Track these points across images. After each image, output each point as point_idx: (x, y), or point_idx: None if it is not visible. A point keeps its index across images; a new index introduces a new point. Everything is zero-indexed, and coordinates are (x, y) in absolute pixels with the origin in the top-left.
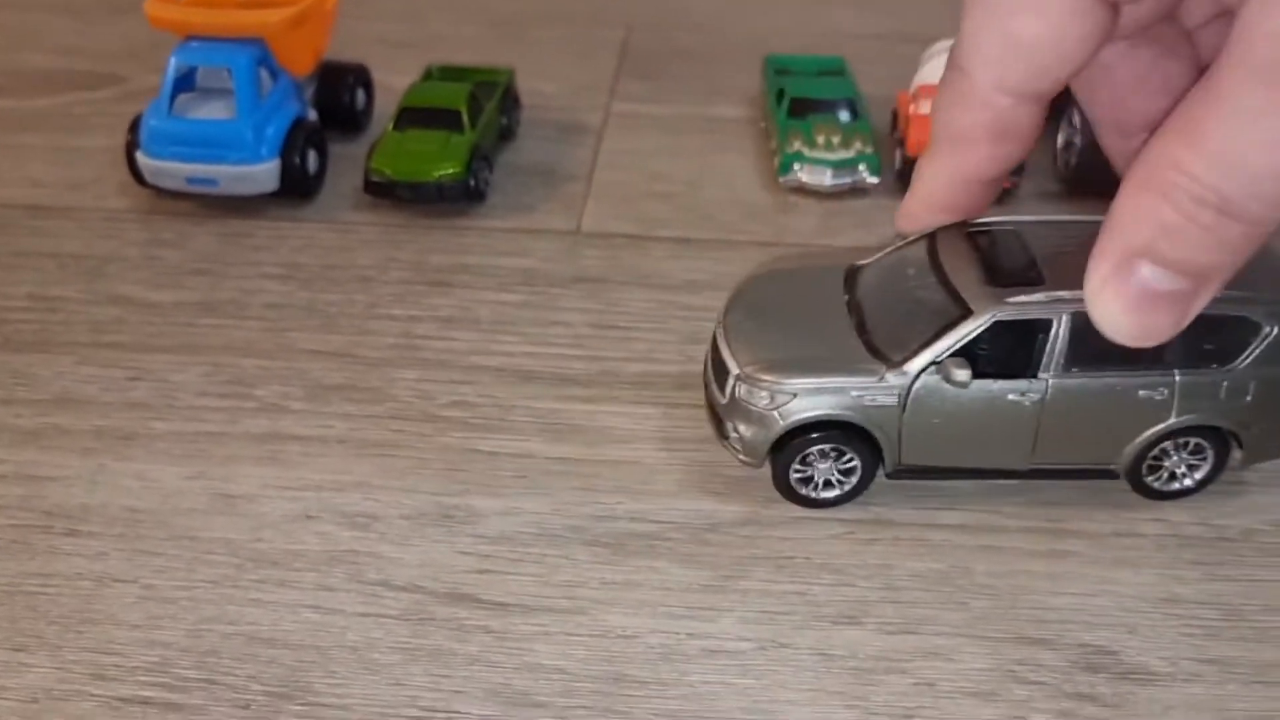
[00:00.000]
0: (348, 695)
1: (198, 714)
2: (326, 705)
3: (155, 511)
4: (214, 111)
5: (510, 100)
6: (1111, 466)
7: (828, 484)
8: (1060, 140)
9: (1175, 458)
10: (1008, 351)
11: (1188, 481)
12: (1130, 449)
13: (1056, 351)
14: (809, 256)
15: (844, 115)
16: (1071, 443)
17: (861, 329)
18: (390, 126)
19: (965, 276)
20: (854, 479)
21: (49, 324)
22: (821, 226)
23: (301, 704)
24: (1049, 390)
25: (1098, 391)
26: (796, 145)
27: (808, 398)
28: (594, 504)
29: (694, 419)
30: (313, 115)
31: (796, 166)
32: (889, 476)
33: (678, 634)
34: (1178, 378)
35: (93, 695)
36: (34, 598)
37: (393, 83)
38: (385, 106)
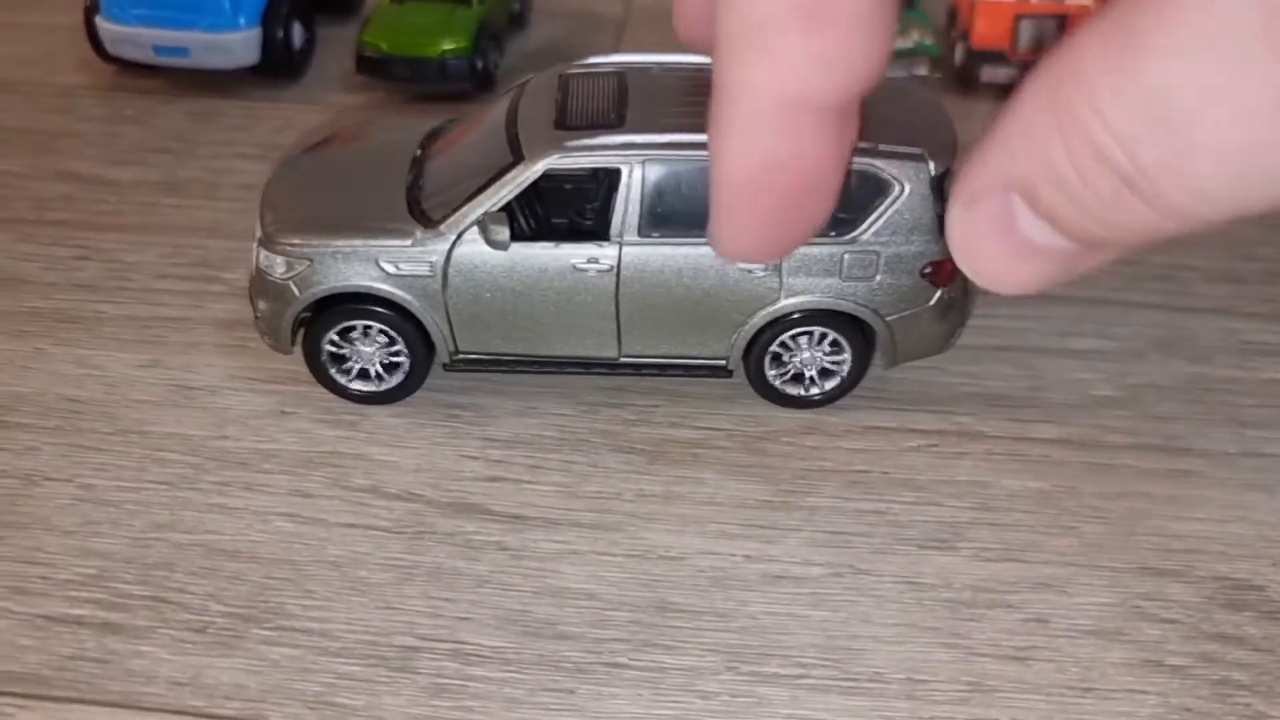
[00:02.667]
0: (327, 619)
1: (141, 638)
2: (300, 630)
3: (100, 403)
4: None
5: None
6: (722, 361)
7: (364, 374)
8: None
9: (806, 354)
10: (577, 211)
11: (816, 389)
12: (738, 338)
13: (629, 209)
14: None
15: None
16: (664, 328)
17: (413, 187)
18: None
19: (533, 122)
20: (400, 371)
21: None
22: None
23: (269, 627)
24: (622, 257)
25: (685, 262)
26: (915, 35)
27: (328, 265)
28: (626, 406)
29: None
30: None
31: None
32: (445, 368)
33: (733, 556)
34: None
35: (11, 613)
36: None
37: None
38: None
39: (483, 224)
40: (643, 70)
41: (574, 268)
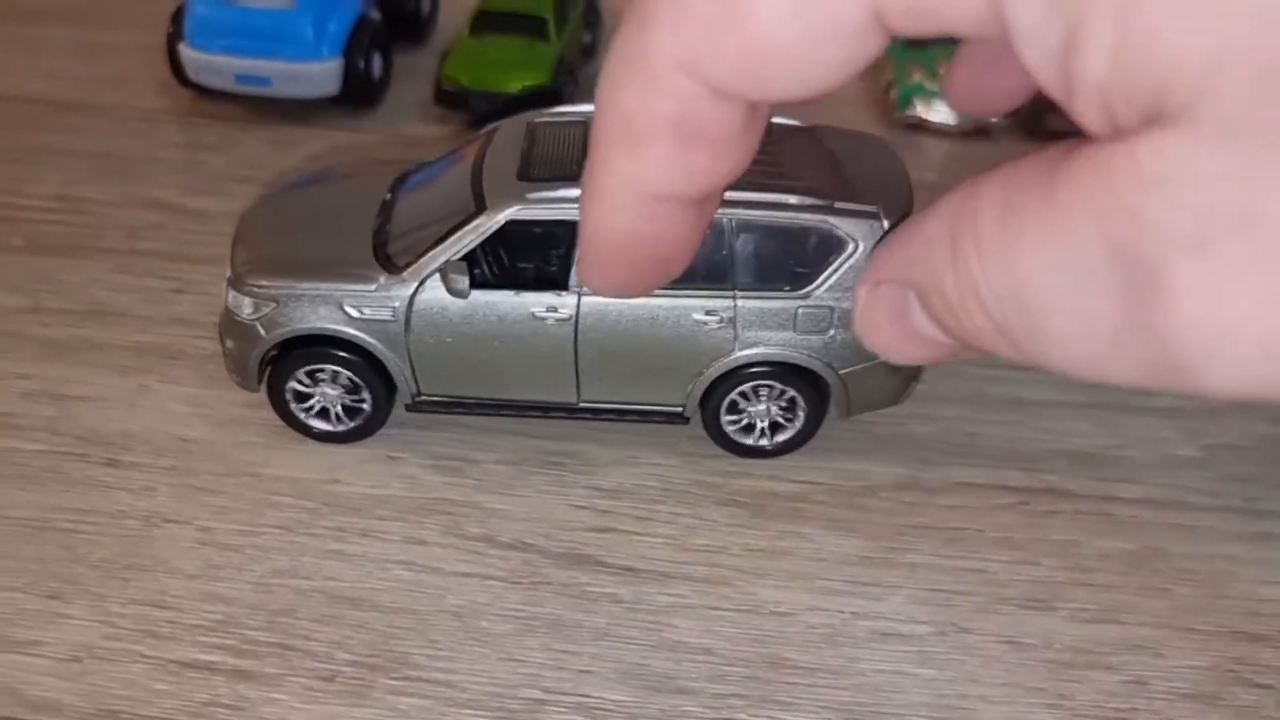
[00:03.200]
0: (453, 670)
1: (273, 685)
2: (428, 681)
3: (210, 443)
4: (269, 1)
5: (592, 14)
6: (678, 409)
7: (324, 413)
8: None
9: (761, 405)
10: (541, 261)
11: (766, 441)
12: (694, 387)
13: None
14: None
15: None
16: (621, 375)
17: (379, 232)
18: (465, 32)
19: (497, 172)
20: (362, 416)
21: (78, 226)
22: (941, 171)
23: (397, 677)
24: (580, 307)
25: (641, 312)
26: (916, 77)
27: (292, 307)
28: (725, 457)
29: None
30: (376, 15)
31: (916, 101)
32: (408, 408)
33: (841, 612)
34: (739, 301)
35: (145, 657)
36: (69, 536)
37: None
38: (451, 15)
39: (443, 272)
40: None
41: (533, 315)
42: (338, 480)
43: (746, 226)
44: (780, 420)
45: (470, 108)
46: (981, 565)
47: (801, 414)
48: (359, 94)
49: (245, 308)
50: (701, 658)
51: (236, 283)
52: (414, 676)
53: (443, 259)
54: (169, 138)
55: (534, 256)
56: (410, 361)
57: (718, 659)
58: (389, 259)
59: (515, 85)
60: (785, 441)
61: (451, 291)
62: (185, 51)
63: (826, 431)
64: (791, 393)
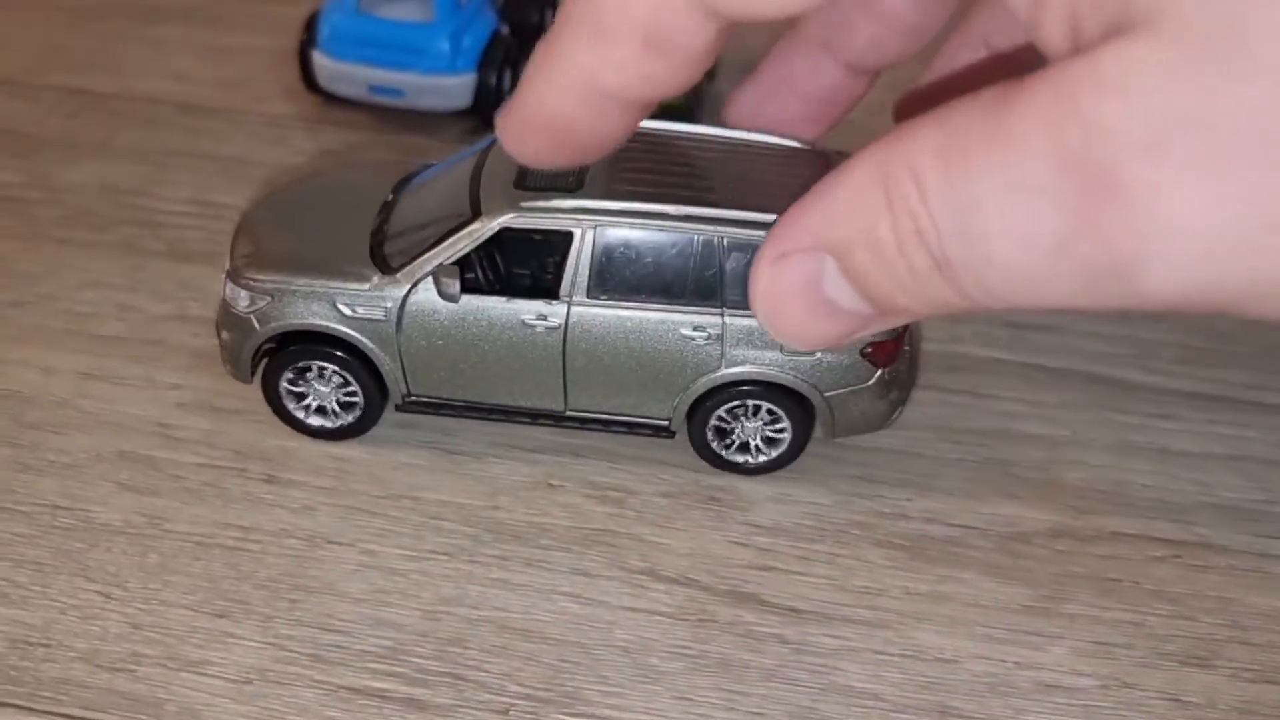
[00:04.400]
0: (625, 707)
1: (446, 716)
2: (600, 717)
3: (366, 463)
4: (406, 13)
5: None
6: (664, 423)
7: (322, 410)
8: None
9: (749, 423)
10: (534, 269)
11: (761, 457)
12: (680, 402)
13: (579, 271)
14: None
15: None
16: (608, 386)
17: (377, 232)
18: None
19: (496, 176)
20: (355, 411)
21: (215, 232)
22: None
23: (571, 713)
24: (570, 317)
25: (630, 325)
26: None
27: (287, 302)
28: (877, 497)
29: (974, 406)
30: (507, 30)
31: None
32: (398, 408)
33: (1004, 661)
34: (727, 318)
35: (316, 681)
36: (235, 554)
37: None
38: None
39: (435, 276)
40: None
41: (523, 323)
42: (498, 507)
43: (738, 246)
44: (772, 436)
45: None
46: (1140, 618)
47: (786, 434)
48: (488, 108)
49: (241, 300)
50: (870, 703)
51: (234, 275)
52: (587, 713)
53: (436, 262)
54: (298, 145)
55: (527, 264)
56: (401, 361)
57: (886, 705)
58: (384, 259)
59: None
60: (769, 461)
61: (443, 295)
62: (319, 59)
63: (975, 474)
64: (773, 409)
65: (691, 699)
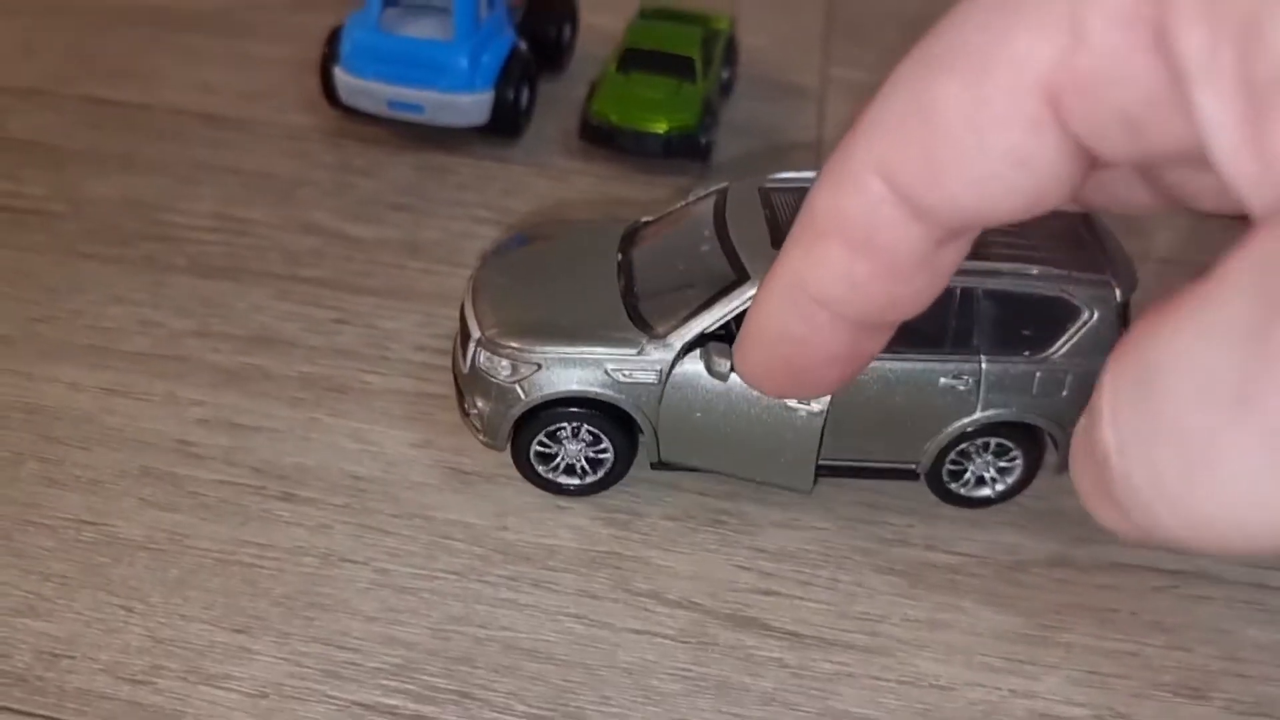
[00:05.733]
0: None
1: None
2: None
3: (381, 482)
4: (425, 30)
5: (732, 52)
6: (912, 466)
7: (570, 469)
8: None
9: (980, 459)
10: None
11: (999, 487)
12: (932, 445)
13: None
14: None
15: None
16: (865, 436)
17: (628, 293)
18: (613, 68)
19: (749, 237)
20: (605, 467)
21: (238, 248)
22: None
23: None
24: (832, 402)
25: (894, 378)
26: None
27: (555, 370)
28: (881, 524)
29: None
30: (525, 47)
31: None
32: (653, 466)
33: (999, 690)
34: (984, 365)
35: (329, 697)
36: (252, 570)
37: (593, 21)
38: (588, 45)
39: (706, 351)
40: None
41: (786, 406)
42: (506, 528)
43: (992, 295)
44: (997, 473)
45: (615, 144)
46: (1135, 649)
47: (1018, 467)
48: (506, 124)
49: (503, 370)
50: None
51: (491, 345)
52: None
53: (702, 326)
54: (319, 158)
55: None
56: (654, 427)
57: None
58: (644, 322)
59: (663, 126)
60: (1010, 486)
61: (712, 373)
62: (339, 75)
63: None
64: (1008, 445)
65: None
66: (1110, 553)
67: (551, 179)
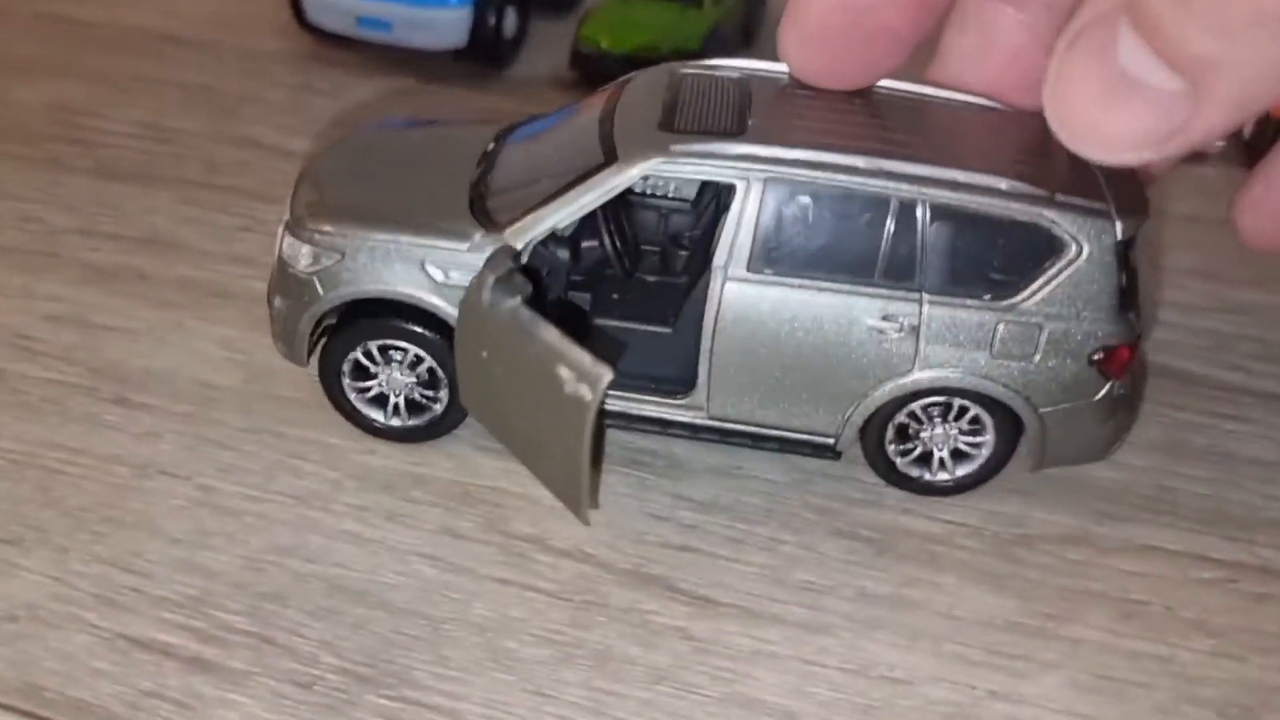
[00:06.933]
0: (462, 696)
1: (235, 684)
2: (426, 705)
3: (236, 392)
4: None
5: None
6: (827, 439)
7: (381, 400)
8: None
9: (939, 429)
10: (671, 238)
11: (942, 475)
12: (854, 413)
13: (739, 237)
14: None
15: None
16: (763, 388)
17: (479, 183)
18: None
19: (635, 119)
20: (429, 413)
21: (157, 155)
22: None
23: (390, 695)
24: (724, 295)
25: (801, 309)
26: None
27: (363, 262)
28: (849, 479)
29: None
30: None
31: None
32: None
33: (974, 689)
34: (926, 307)
35: (93, 627)
36: (51, 476)
37: None
38: None
39: (497, 280)
40: (773, 80)
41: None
42: (374, 451)
43: (943, 213)
44: (964, 448)
45: (607, 72)
46: (1168, 653)
47: (988, 441)
48: (487, 51)
49: (302, 258)
50: None
51: (295, 227)
52: (410, 698)
53: (557, 217)
54: (279, 79)
55: (663, 234)
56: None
57: None
58: (488, 215)
59: (660, 48)
60: (969, 476)
61: (490, 302)
62: None
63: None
64: (975, 410)
65: (549, 695)
66: (1143, 533)
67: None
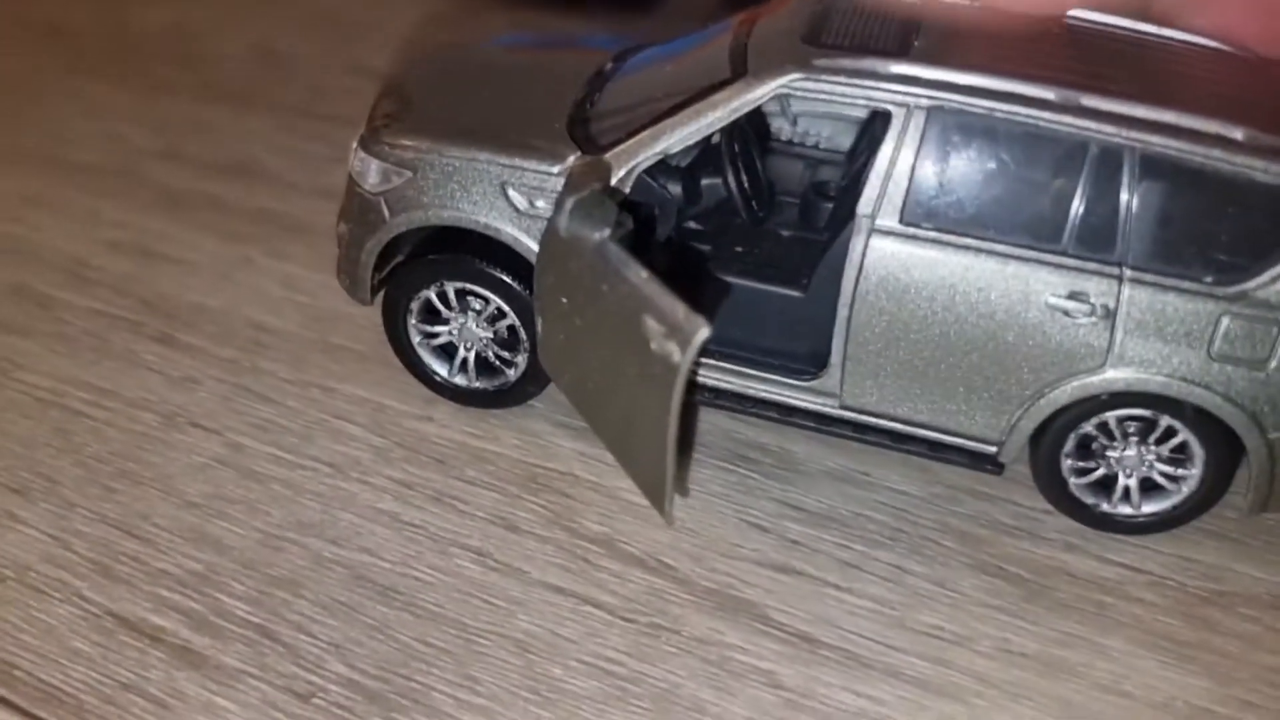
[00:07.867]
0: None
1: (224, 684)
2: None
3: (292, 338)
4: None
5: None
6: (989, 448)
7: (469, 363)
8: None
9: (1131, 451)
10: (813, 185)
11: (1149, 507)
12: (1024, 416)
13: (893, 180)
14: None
15: None
16: (902, 374)
17: (581, 105)
18: None
19: (775, 33)
20: (504, 375)
21: (260, 79)
22: None
23: (399, 716)
24: (868, 252)
25: (965, 275)
26: None
27: (435, 181)
28: (1003, 502)
29: None
30: None
31: None
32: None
33: None
34: (1127, 287)
35: (81, 599)
36: (74, 418)
37: None
38: None
39: (575, 208)
40: (953, 6)
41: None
42: (430, 418)
43: (1157, 166)
44: (1159, 479)
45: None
46: None
47: (1192, 477)
48: None
49: (371, 175)
50: None
51: (366, 141)
52: None
53: (669, 140)
54: (406, 8)
55: (803, 179)
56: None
57: None
58: (589, 137)
59: None
60: (1159, 514)
61: (568, 231)
62: None
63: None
64: (1184, 436)
65: None
66: None
67: None
